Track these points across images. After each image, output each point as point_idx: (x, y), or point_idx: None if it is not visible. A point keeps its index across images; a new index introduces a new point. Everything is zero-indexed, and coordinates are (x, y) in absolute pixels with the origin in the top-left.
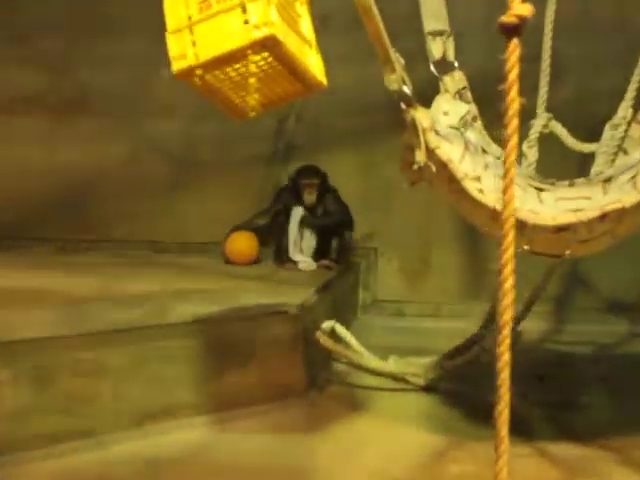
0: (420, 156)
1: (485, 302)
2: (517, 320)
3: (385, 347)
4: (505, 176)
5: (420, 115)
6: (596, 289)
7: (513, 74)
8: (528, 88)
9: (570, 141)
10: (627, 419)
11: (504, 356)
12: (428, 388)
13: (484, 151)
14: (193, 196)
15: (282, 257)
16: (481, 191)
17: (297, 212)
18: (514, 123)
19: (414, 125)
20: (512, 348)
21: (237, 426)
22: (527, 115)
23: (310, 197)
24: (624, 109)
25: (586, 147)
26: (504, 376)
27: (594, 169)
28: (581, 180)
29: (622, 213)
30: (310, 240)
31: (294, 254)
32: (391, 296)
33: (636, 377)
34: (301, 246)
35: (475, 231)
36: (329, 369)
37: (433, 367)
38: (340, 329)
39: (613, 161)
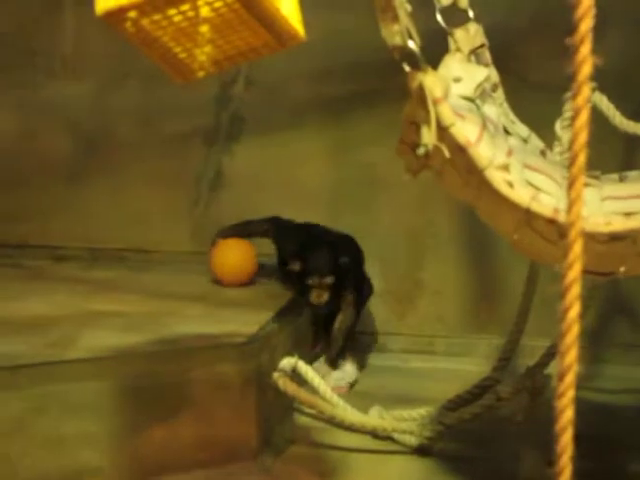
0: (428, 136)
1: (495, 336)
2: (546, 359)
3: (364, 393)
4: (572, 164)
5: (431, 81)
6: None
7: (585, 23)
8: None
9: (619, 120)
10: None
11: (566, 413)
12: (422, 450)
13: (506, 131)
14: (106, 185)
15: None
16: (511, 185)
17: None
18: (585, 92)
19: (421, 94)
20: (537, 396)
21: None
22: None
23: (319, 299)
24: None
25: None
26: (566, 440)
27: None
28: (636, 173)
29: None
30: None
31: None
32: (371, 326)
33: None
34: None
35: (483, 241)
36: (290, 423)
37: (429, 422)
38: (305, 369)
39: None
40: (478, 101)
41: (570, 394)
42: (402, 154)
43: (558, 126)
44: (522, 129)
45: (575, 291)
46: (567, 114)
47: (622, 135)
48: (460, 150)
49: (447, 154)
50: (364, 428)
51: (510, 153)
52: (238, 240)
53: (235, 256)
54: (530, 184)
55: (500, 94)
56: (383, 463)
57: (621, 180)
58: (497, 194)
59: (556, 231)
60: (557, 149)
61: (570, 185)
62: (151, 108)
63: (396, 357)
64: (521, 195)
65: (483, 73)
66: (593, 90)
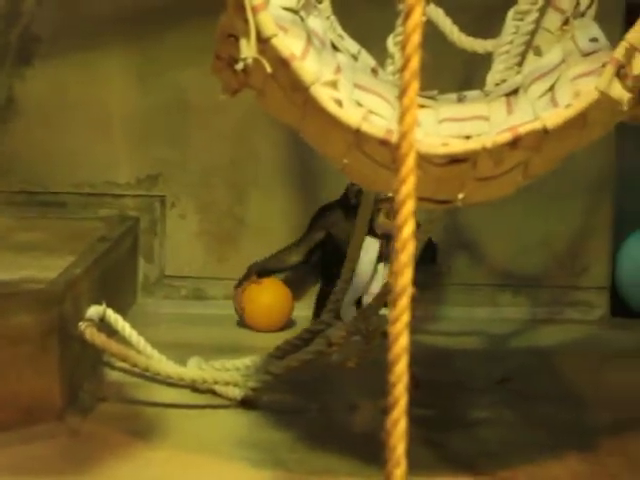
0: (248, 49)
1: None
2: (380, 300)
3: (182, 345)
4: (404, 68)
5: None
6: (486, 259)
7: None
8: None
9: (457, 36)
10: (534, 437)
11: (401, 340)
12: (248, 403)
13: (335, 47)
14: None
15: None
16: (339, 103)
17: (372, 245)
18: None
19: (239, 2)
20: (371, 340)
21: None
22: None
23: (388, 220)
24: None
25: (480, 45)
26: (400, 369)
27: (492, 77)
28: (475, 93)
29: (542, 138)
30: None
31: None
32: (187, 270)
33: (544, 377)
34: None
35: (313, 172)
36: (98, 378)
37: (254, 372)
38: (114, 318)
39: (520, 65)
40: (302, 13)
41: (405, 319)
42: (218, 71)
43: (390, 42)
44: (351, 45)
45: (409, 207)
46: (400, 29)
47: (465, 54)
48: (283, 64)
49: (269, 69)
50: (182, 381)
51: (339, 70)
52: (270, 279)
53: (268, 297)
54: (360, 105)
55: (327, 6)
56: (204, 418)
57: (460, 100)
58: (324, 113)
59: (389, 154)
60: (390, 68)
61: (402, 92)
62: None
63: (217, 304)
64: (351, 115)
65: None
66: (428, 2)
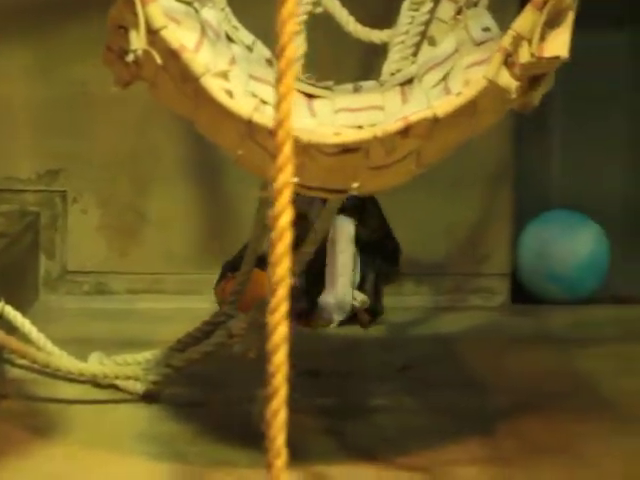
0: (138, 41)
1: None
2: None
3: (83, 340)
4: (280, 57)
5: None
6: None
7: None
8: None
9: (353, 26)
10: (435, 424)
11: (279, 329)
12: (149, 397)
13: (229, 38)
14: None
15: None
16: (230, 94)
17: (347, 225)
18: None
19: None
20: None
21: None
22: None
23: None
24: None
25: (376, 35)
26: (279, 359)
27: (387, 67)
28: (371, 83)
29: (433, 126)
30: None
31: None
32: (89, 265)
33: (445, 364)
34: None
35: (213, 166)
36: None
37: (155, 365)
38: (14, 315)
39: (415, 55)
40: (196, 4)
41: (283, 309)
42: (110, 63)
43: None
44: (246, 36)
45: (286, 196)
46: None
47: (362, 45)
48: (173, 56)
49: (159, 60)
50: (83, 376)
51: (233, 62)
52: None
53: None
54: (255, 96)
55: None
56: (107, 413)
57: (356, 91)
58: (216, 104)
59: None
60: None
61: (278, 80)
62: None
63: (120, 298)
64: (242, 105)
65: None
66: None
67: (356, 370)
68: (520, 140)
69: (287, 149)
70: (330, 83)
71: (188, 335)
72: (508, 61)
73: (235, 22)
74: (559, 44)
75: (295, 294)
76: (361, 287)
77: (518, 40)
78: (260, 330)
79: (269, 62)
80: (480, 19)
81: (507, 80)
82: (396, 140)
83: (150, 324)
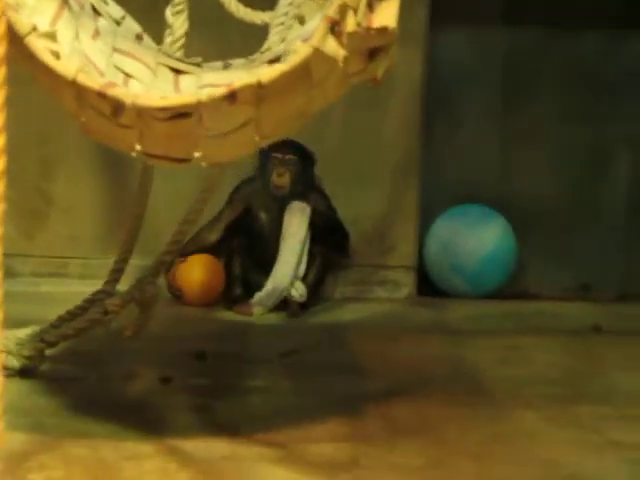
0: None
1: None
2: (156, 270)
3: None
4: None
5: None
6: None
7: None
8: None
9: (235, 7)
10: (304, 405)
11: None
12: (26, 372)
13: (96, 11)
14: None
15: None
16: (56, 55)
17: (303, 209)
18: None
19: None
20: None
21: None
22: None
23: (280, 179)
24: None
25: (258, 16)
26: None
27: (265, 46)
28: (241, 61)
29: (259, 92)
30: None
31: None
32: None
33: (333, 351)
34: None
35: (118, 151)
36: None
37: (30, 341)
38: None
39: None
40: None
41: None
42: None
43: (169, 13)
44: (115, 10)
45: None
46: (177, 0)
47: (247, 27)
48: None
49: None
50: None
51: (97, 34)
52: (202, 255)
53: (203, 272)
54: (119, 69)
55: None
56: None
57: (225, 68)
58: (45, 66)
59: (109, 107)
60: (169, 38)
61: None
62: None
63: (25, 281)
64: (67, 66)
65: None
66: None
67: (242, 353)
68: (430, 135)
69: None
70: (199, 59)
71: (68, 312)
72: (335, 30)
73: None
74: (387, 15)
75: (231, 281)
76: (305, 278)
77: (344, 9)
78: (137, 308)
79: (139, 37)
80: None
81: (334, 48)
82: (223, 106)
83: (54, 307)
